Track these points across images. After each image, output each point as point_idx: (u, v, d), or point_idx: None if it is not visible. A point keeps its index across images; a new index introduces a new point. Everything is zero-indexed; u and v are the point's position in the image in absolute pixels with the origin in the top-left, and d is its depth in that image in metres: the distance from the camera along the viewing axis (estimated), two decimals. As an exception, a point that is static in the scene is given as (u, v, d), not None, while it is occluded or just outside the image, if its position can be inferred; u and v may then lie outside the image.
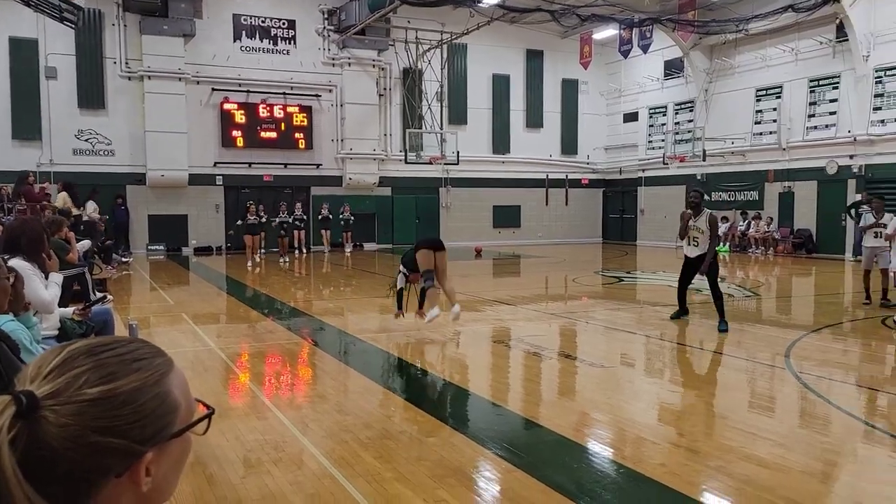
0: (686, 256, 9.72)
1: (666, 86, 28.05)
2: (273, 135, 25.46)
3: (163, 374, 0.94)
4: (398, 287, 9.24)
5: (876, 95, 20.37)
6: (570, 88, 30.52)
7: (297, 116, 25.80)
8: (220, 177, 25.06)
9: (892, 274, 10.94)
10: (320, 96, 26.16)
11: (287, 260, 20.73)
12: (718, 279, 9.64)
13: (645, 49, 23.89)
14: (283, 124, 25.58)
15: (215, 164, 24.85)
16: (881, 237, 11.39)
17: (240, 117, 24.96)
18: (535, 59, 29.74)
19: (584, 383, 7.06)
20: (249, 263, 18.97)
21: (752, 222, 24.02)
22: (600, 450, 4.97)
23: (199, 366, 7.41)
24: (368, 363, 7.92)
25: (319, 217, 24.53)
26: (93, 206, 19.17)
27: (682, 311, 10.09)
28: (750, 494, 4.03)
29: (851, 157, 21.10)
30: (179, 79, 23.56)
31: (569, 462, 4.72)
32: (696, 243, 9.48)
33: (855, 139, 20.80)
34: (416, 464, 4.48)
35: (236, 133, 24.98)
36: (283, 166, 25.74)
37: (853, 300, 13.13)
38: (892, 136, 19.97)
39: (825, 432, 5.44)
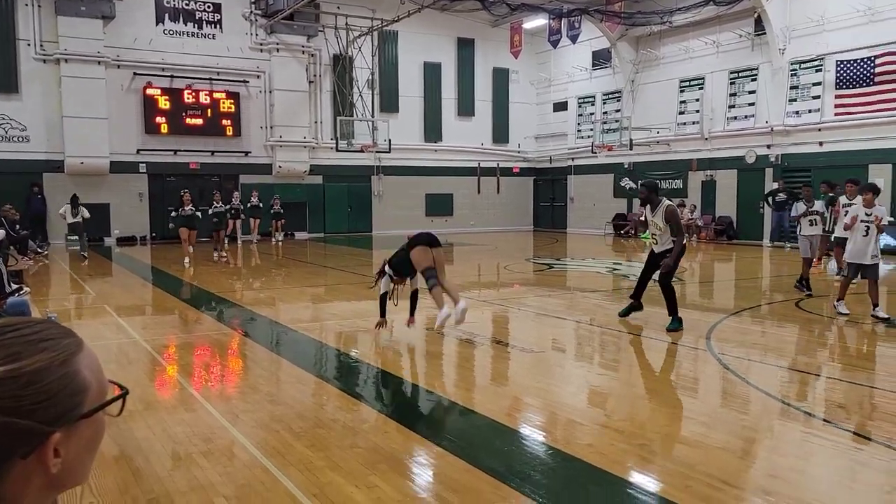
0: (652, 250, 8.95)
1: (594, 76, 28.56)
2: (199, 121, 24.80)
3: (70, 354, 0.92)
4: (382, 291, 8.30)
5: (791, 87, 21.22)
6: (500, 77, 30.74)
7: (224, 103, 25.19)
8: (144, 164, 24.28)
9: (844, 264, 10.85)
10: (248, 82, 25.62)
11: (224, 255, 18.44)
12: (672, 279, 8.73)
13: (574, 39, 24.27)
14: (209, 111, 24.94)
15: (138, 151, 24.06)
16: (816, 224, 11.42)
17: (164, 103, 24.20)
18: (466, 47, 29.83)
19: (515, 369, 7.17)
20: (187, 260, 16.54)
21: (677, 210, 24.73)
22: (531, 433, 5.06)
23: (123, 358, 7.20)
24: (301, 353, 7.85)
25: (249, 205, 24.07)
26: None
27: (634, 305, 9.10)
28: (672, 471, 4.18)
29: (769, 146, 21.96)
30: (99, 62, 22.68)
31: (500, 445, 4.80)
32: (655, 241, 8.72)
33: (772, 129, 21.65)
34: (348, 451, 4.47)
35: (160, 119, 24.22)
36: (210, 154, 25.13)
37: (771, 284, 13.72)
38: (806, 127, 20.87)
39: (744, 411, 5.67)
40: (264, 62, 25.74)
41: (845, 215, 11.62)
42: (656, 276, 8.76)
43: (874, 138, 19.01)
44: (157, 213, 24.24)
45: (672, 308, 8.51)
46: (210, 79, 24.90)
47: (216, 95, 25.03)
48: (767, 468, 4.43)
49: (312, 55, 26.44)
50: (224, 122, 25.25)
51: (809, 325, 9.16)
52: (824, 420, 5.24)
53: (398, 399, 6.24)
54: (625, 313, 9.08)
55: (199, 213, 17.27)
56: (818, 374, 6.78)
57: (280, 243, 23.99)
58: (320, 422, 5.16)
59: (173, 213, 17.14)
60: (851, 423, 5.11)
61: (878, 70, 19.00)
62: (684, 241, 8.80)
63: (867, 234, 8.81)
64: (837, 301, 9.30)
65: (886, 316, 8.79)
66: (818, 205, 11.56)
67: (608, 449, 4.56)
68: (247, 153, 25.79)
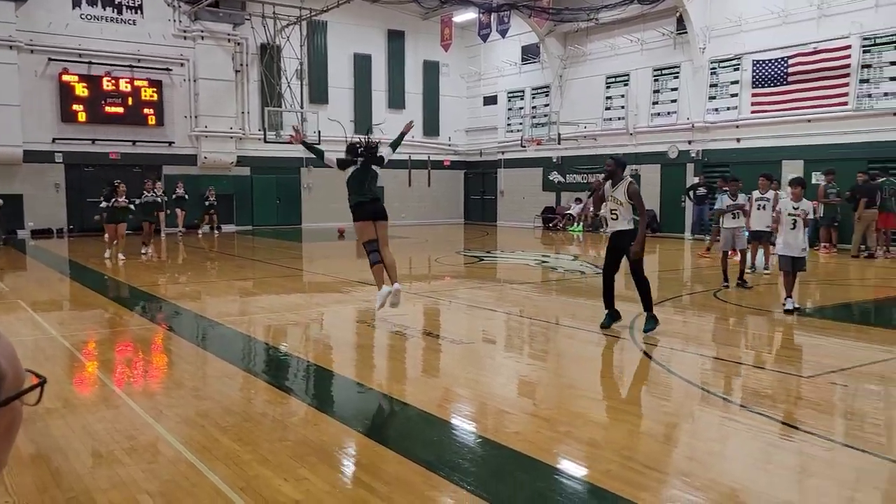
0: (609, 239, 8.17)
1: (523, 70, 28.89)
2: (119, 110, 23.95)
3: None
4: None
5: (711, 85, 21.97)
6: (431, 70, 30.75)
7: (145, 91, 24.39)
8: (60, 154, 23.29)
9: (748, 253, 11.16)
10: (171, 70, 24.86)
11: (148, 251, 17.10)
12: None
13: (503, 34, 24.50)
14: (130, 99, 24.11)
15: (54, 140, 23.06)
16: (739, 218, 11.64)
17: (81, 90, 23.26)
18: (396, 39, 29.71)
19: (446, 360, 7.22)
20: (108, 253, 15.41)
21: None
22: (461, 423, 5.12)
23: (40, 355, 6.93)
24: (228, 347, 7.71)
25: (174, 196, 23.42)
26: None
27: (612, 316, 8.20)
28: (596, 455, 4.31)
29: (690, 142, 22.69)
30: (11, 47, 21.60)
31: (430, 436, 4.84)
32: (615, 216, 7.98)
33: (693, 126, 22.37)
34: (277, 445, 4.43)
35: (77, 107, 23.26)
36: (131, 143, 24.31)
37: (692, 276, 14.21)
38: (724, 124, 21.65)
39: (665, 397, 5.88)
40: (188, 50, 25.03)
41: (761, 209, 12.13)
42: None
43: (787, 135, 19.87)
44: (74, 204, 23.33)
45: (647, 304, 7.89)
46: (131, 66, 24.07)
47: (137, 83, 24.20)
48: (686, 451, 4.61)
49: (239, 44, 25.86)
50: (146, 110, 24.45)
51: (727, 315, 9.53)
52: (741, 405, 5.48)
53: (328, 392, 6.21)
54: (607, 324, 8.16)
55: (132, 206, 16.22)
56: (735, 362, 7.07)
57: (216, 236, 23.47)
58: (248, 416, 5.09)
59: (104, 204, 15.55)
60: (766, 407, 5.36)
61: (790, 70, 19.86)
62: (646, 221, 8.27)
63: (795, 227, 9.10)
64: (786, 298, 9.27)
65: (796, 307, 9.19)
66: (741, 198, 11.78)
67: (535, 437, 4.66)
68: (170, 143, 25.05)
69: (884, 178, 16.71)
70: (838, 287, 12.60)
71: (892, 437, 4.93)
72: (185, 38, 24.94)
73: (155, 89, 24.48)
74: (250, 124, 26.40)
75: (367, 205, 8.48)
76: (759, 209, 12.25)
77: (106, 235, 15.78)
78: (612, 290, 8.15)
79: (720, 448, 4.69)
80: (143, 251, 16.98)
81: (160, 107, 24.66)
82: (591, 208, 8.72)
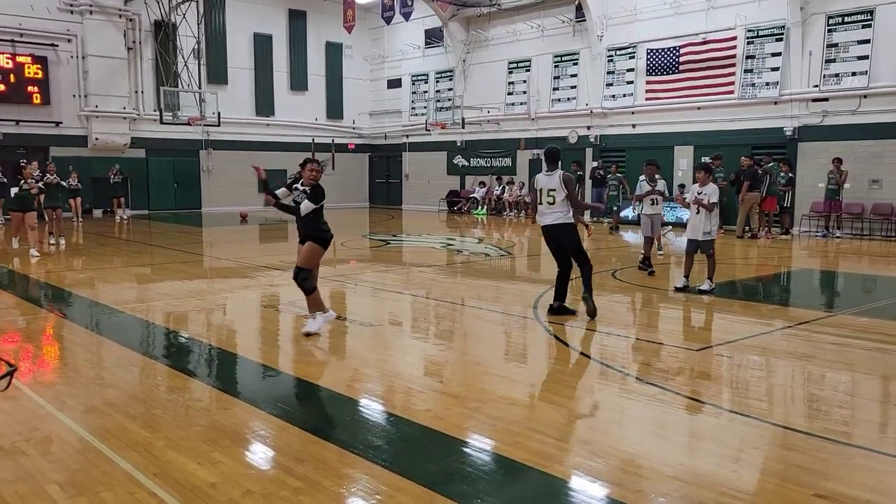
0: (543, 227, 8.15)
1: (427, 54, 28.98)
2: (0, 87, 22.52)
3: None
4: None
5: (608, 73, 22.73)
6: (334, 52, 30.39)
7: (29, 68, 23.04)
8: (-66, 134, 21.73)
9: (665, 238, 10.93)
10: (57, 46, 23.55)
11: (58, 243, 15.34)
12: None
13: (406, 17, 24.46)
14: (12, 76, 22.72)
15: (-73, 118, 21.49)
16: (657, 204, 11.65)
17: (-43, 66, 21.73)
18: (297, 19, 29.17)
19: (354, 342, 7.29)
20: (15, 243, 14.25)
21: (507, 187, 25.84)
22: (372, 402, 5.23)
23: (-76, 348, 6.55)
24: (129, 334, 7.50)
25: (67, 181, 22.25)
26: None
27: (566, 309, 8.11)
28: (503, 429, 4.51)
29: (589, 127, 23.44)
30: None
31: (342, 415, 4.93)
32: (550, 199, 8.00)
33: (591, 111, 23.12)
34: (188, 430, 4.41)
35: (-47, 84, 21.74)
36: (14, 123, 22.93)
37: (591, 257, 14.71)
38: (621, 110, 22.47)
39: (568, 372, 6.17)
40: (75, 25, 23.76)
41: (648, 193, 12.23)
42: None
43: (678, 122, 20.86)
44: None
45: (589, 286, 7.89)
46: (12, 41, 22.65)
47: (20, 59, 22.82)
48: (588, 422, 4.89)
49: (131, 20, 24.76)
50: (30, 88, 23.11)
51: (624, 294, 10.01)
52: (637, 378, 5.83)
53: (237, 376, 6.17)
54: (562, 310, 8.06)
55: (63, 184, 15.05)
56: (633, 338, 7.47)
57: (120, 221, 22.44)
58: (156, 403, 5.03)
59: (15, 190, 13.97)
60: (661, 380, 5.72)
61: (681, 59, 20.81)
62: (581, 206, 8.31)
63: (699, 211, 9.52)
64: (683, 277, 9.80)
65: (687, 285, 9.75)
66: (661, 185, 11.70)
67: (445, 413, 4.83)
68: (58, 123, 23.77)
69: (770, 163, 17.83)
70: (724, 266, 13.39)
71: (772, 402, 5.38)
72: (71, 12, 23.66)
73: (39, 66, 23.15)
74: (145, 104, 25.39)
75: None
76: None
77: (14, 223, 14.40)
78: (565, 283, 8.12)
79: (619, 417, 4.99)
80: (51, 241, 15.36)
81: (46, 85, 23.35)
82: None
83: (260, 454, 4.18)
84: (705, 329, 8.03)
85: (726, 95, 19.96)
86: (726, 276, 11.12)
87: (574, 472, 3.89)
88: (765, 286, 11.36)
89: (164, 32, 24.76)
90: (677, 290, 9.71)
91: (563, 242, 8.06)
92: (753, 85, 19.45)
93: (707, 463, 4.03)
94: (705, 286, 9.59)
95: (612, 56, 22.58)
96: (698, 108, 20.47)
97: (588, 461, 4.03)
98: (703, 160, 12.35)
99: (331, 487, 3.63)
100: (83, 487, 3.60)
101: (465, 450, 4.22)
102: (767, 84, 19.16)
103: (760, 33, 19.28)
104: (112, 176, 23.09)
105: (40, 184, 14.76)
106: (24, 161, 14.71)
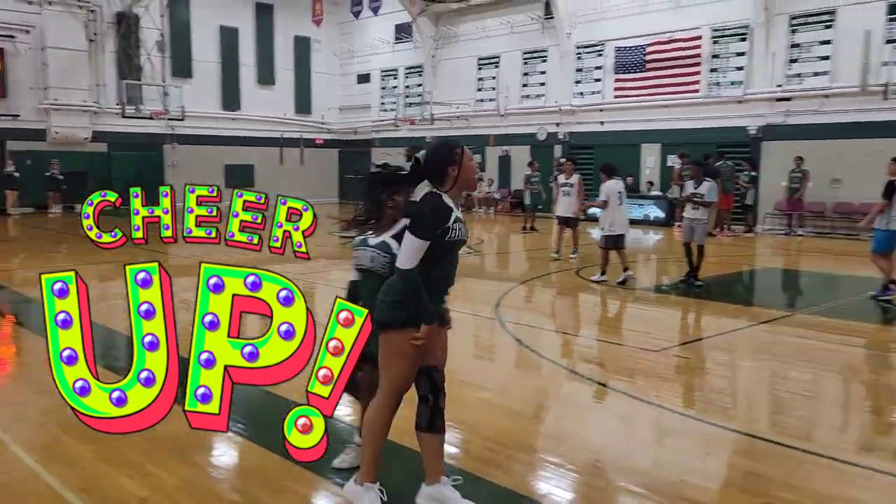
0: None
1: (396, 49, 28.77)
2: (-45, 79, 21.91)
3: None
4: None
5: (577, 70, 22.74)
6: (302, 46, 30.04)
7: (-15, 59, 22.41)
8: None
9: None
10: (14, 37, 22.92)
11: None
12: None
13: (375, 11, 24.29)
14: (-33, 67, 22.08)
15: None
16: (699, 209, 9.99)
17: None
18: (265, 13, 28.78)
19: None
20: None
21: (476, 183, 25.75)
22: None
23: None
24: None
25: (6, 173, 21.67)
26: None
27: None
28: (460, 434, 4.39)
29: (557, 125, 23.43)
30: None
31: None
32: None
33: (560, 109, 23.10)
34: (123, 441, 4.19)
35: None
36: (-31, 116, 22.31)
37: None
38: (589, 108, 22.49)
39: (529, 375, 6.07)
40: (34, 16, 23.13)
41: (565, 195, 12.47)
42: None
43: (646, 120, 20.92)
44: None
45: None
46: (-33, 31, 22.03)
47: (-24, 50, 22.20)
48: (554, 431, 4.79)
49: (92, 11, 24.15)
50: (-13, 80, 22.49)
51: (587, 293, 9.95)
52: (599, 384, 5.75)
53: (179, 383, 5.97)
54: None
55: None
56: (592, 338, 7.40)
57: (51, 215, 21.90)
58: (95, 411, 4.82)
59: None
60: (621, 381, 5.65)
61: (648, 57, 20.88)
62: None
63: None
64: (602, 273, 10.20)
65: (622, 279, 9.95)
66: (704, 186, 9.92)
67: (398, 421, 4.67)
68: (15, 116, 23.16)
69: (721, 161, 17.90)
70: (683, 264, 13.42)
71: (736, 402, 5.34)
72: (29, 2, 23.01)
73: (-4, 57, 22.54)
74: (107, 98, 24.82)
75: None
76: (564, 195, 12.55)
77: None
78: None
79: (580, 419, 4.90)
80: None
81: (3, 77, 22.74)
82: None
83: (198, 465, 4.01)
84: (663, 329, 7.99)
85: (692, 94, 20.06)
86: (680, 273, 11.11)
87: (522, 481, 3.78)
88: (721, 284, 11.38)
89: (127, 24, 24.25)
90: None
91: None
92: (718, 84, 19.57)
93: (666, 460, 3.95)
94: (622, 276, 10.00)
95: (580, 53, 22.58)
96: (665, 107, 20.55)
97: (538, 470, 3.93)
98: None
99: (271, 503, 3.49)
100: (2, 505, 3.41)
101: (412, 459, 4.09)
102: (732, 83, 19.29)
103: (725, 33, 19.39)
104: (52, 168, 22.44)
105: None
106: None
